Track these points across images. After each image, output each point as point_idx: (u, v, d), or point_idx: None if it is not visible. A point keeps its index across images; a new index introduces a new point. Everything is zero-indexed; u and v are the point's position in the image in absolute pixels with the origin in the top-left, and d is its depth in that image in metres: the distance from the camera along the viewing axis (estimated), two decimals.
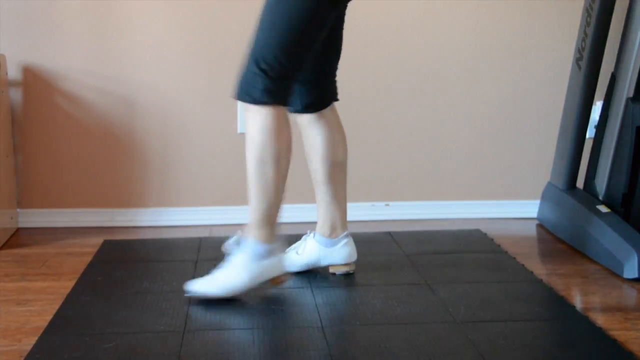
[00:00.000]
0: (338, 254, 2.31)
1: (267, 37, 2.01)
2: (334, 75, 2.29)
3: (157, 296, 2.16)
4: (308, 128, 2.26)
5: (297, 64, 2.04)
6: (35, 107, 2.83)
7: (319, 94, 2.24)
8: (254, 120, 2.03)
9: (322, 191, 2.29)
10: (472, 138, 3.01)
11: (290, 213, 2.95)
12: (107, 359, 1.77)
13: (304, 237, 2.36)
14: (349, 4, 2.92)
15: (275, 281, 2.17)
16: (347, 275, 2.33)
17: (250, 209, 2.09)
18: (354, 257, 2.33)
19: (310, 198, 2.42)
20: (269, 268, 2.12)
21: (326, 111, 2.26)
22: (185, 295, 2.12)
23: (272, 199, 2.07)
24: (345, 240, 2.31)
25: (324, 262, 2.32)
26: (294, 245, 2.36)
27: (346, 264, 2.33)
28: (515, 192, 3.06)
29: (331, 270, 2.34)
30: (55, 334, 1.91)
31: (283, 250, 2.19)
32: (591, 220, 2.56)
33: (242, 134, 2.90)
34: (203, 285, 2.11)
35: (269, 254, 2.11)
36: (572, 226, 2.68)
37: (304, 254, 2.32)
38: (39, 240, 2.73)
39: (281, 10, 1.99)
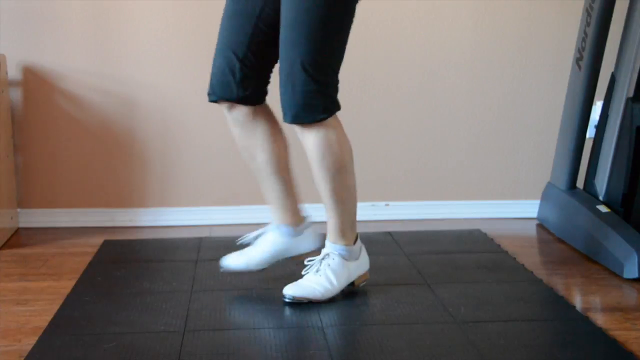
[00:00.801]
0: (305, 242, 2.27)
1: (315, 48, 1.96)
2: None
3: (157, 296, 2.17)
4: (249, 123, 2.16)
5: (339, 66, 2.04)
6: (35, 107, 2.83)
7: (265, 85, 2.16)
8: (317, 136, 2.02)
9: (273, 184, 2.22)
10: (472, 138, 3.01)
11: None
12: (107, 359, 1.77)
13: (261, 234, 2.30)
14: None
15: (359, 281, 2.20)
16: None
17: (330, 218, 2.12)
18: (318, 245, 2.27)
19: (314, 198, 2.41)
20: (354, 269, 2.17)
21: (265, 105, 2.18)
22: (284, 299, 2.10)
23: (350, 204, 2.12)
24: (309, 227, 2.28)
25: (292, 253, 2.27)
26: (243, 240, 2.33)
27: (314, 250, 2.27)
28: (515, 192, 3.06)
29: (301, 259, 2.27)
30: (55, 334, 1.91)
31: (364, 248, 2.22)
32: (591, 220, 2.56)
33: None
34: (301, 292, 2.10)
35: (353, 255, 2.16)
36: (572, 226, 2.68)
37: (268, 248, 2.25)
38: (39, 240, 2.73)
39: (319, 16, 1.95)
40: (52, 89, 2.83)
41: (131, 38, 2.82)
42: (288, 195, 2.24)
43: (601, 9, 2.62)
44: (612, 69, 2.69)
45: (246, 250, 2.27)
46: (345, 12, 2.01)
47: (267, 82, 2.15)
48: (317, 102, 1.98)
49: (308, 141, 2.04)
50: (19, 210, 2.87)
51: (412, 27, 2.91)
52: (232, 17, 2.10)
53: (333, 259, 2.13)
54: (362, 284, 2.21)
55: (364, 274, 2.22)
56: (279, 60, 2.03)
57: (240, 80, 2.08)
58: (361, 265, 2.20)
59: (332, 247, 2.14)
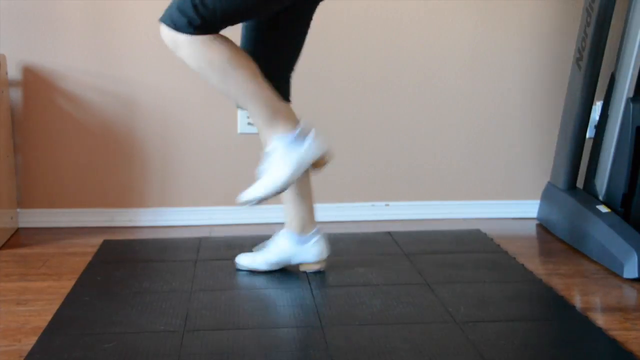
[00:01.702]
0: (311, 252, 2.31)
1: None
2: (290, 74, 2.24)
3: (157, 296, 2.17)
4: None
5: (226, 23, 1.99)
6: (35, 107, 2.83)
7: (287, 88, 2.20)
8: (188, 54, 1.98)
9: (289, 189, 2.23)
10: (472, 138, 3.01)
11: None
12: (107, 359, 1.77)
13: (273, 236, 2.35)
14: (351, 5, 2.93)
15: (318, 164, 2.10)
16: (319, 272, 2.34)
17: (253, 116, 2.07)
18: (325, 255, 2.33)
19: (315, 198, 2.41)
20: (307, 152, 2.06)
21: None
22: (240, 204, 2.06)
23: (259, 93, 2.04)
24: (316, 238, 2.31)
25: (296, 260, 2.33)
26: (262, 244, 2.38)
27: (317, 262, 2.33)
28: (515, 192, 3.06)
29: (302, 268, 2.35)
30: (55, 334, 1.91)
31: (313, 131, 2.09)
32: (591, 220, 2.56)
33: (243, 134, 2.91)
34: (252, 193, 2.06)
35: (300, 138, 2.06)
36: (572, 226, 2.68)
37: (275, 251, 2.32)
38: (39, 240, 2.73)
39: None
40: (52, 89, 2.83)
41: (131, 38, 2.83)
42: (300, 203, 2.28)
43: (601, 9, 2.62)
44: (612, 69, 2.69)
45: (259, 251, 2.34)
46: None
47: (286, 81, 2.19)
48: (188, 14, 1.93)
49: (183, 55, 2.00)
50: (18, 210, 2.88)
51: (412, 27, 2.91)
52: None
53: (276, 150, 2.05)
54: (324, 166, 2.11)
55: (323, 156, 2.09)
56: None
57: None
58: (312, 147, 2.07)
59: (272, 143, 2.07)
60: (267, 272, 2.34)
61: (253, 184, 2.09)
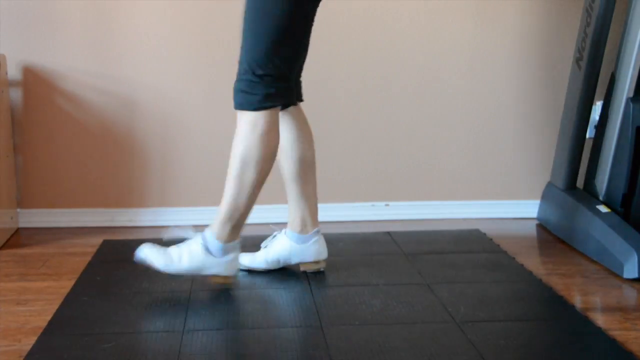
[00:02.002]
0: (309, 251, 2.31)
1: (255, 42, 2.03)
2: (300, 74, 2.27)
3: (157, 296, 2.17)
4: (279, 124, 2.21)
5: (292, 62, 2.07)
6: (35, 107, 2.83)
7: (298, 87, 2.25)
8: (247, 122, 2.07)
9: (290, 188, 2.29)
10: (472, 138, 3.01)
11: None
12: (107, 359, 1.77)
13: (272, 235, 2.36)
14: (351, 5, 2.93)
15: (216, 279, 2.18)
16: (319, 272, 2.34)
17: (221, 204, 2.13)
18: (325, 255, 2.34)
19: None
20: (213, 265, 2.15)
21: (292, 109, 2.24)
22: (134, 260, 2.14)
23: (243, 201, 2.11)
24: (316, 238, 2.31)
25: (295, 260, 2.33)
26: (263, 243, 2.38)
27: (316, 262, 2.33)
28: (515, 192, 3.06)
29: (302, 268, 2.35)
30: (55, 334, 1.91)
31: (238, 253, 2.19)
32: (591, 220, 2.56)
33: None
34: (152, 255, 2.13)
35: (221, 252, 2.14)
36: (572, 226, 2.68)
37: (274, 250, 2.33)
38: (39, 240, 2.73)
39: (262, 13, 2.02)
40: (52, 89, 2.83)
41: (131, 38, 2.83)
42: (302, 202, 2.29)
43: (601, 9, 2.62)
44: (612, 69, 2.69)
45: (259, 250, 2.35)
46: (290, 13, 2.03)
47: (296, 82, 2.22)
48: (255, 92, 2.04)
49: (239, 122, 2.09)
50: (18, 210, 2.88)
51: (412, 27, 2.91)
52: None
53: (197, 242, 2.14)
54: (216, 284, 2.20)
55: (222, 277, 2.19)
56: None
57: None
58: (221, 266, 2.15)
59: (204, 232, 2.15)
60: (267, 272, 2.34)
61: (160, 248, 2.15)
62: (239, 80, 2.08)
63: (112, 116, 2.87)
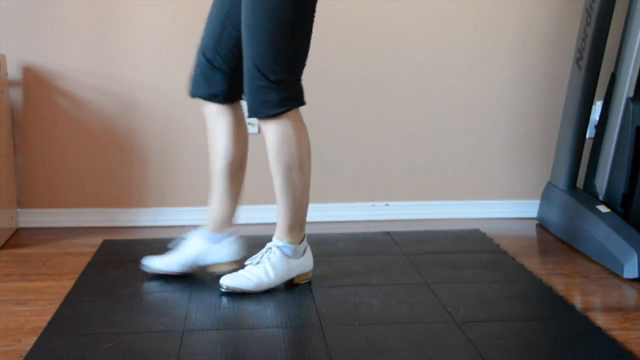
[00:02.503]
0: (221, 252, 2.26)
1: (265, 48, 2.01)
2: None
3: (157, 296, 2.17)
4: (215, 120, 2.23)
5: (302, 63, 2.08)
6: (35, 107, 2.84)
7: (237, 85, 2.16)
8: (275, 131, 2.07)
9: (217, 185, 2.26)
10: (472, 138, 3.01)
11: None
12: (107, 359, 1.77)
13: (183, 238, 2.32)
14: (351, 5, 2.93)
15: (299, 279, 2.24)
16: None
17: (279, 214, 2.17)
18: (239, 256, 2.28)
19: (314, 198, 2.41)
20: (295, 267, 2.21)
21: (236, 105, 2.23)
22: (221, 290, 2.16)
23: (300, 202, 2.15)
24: (231, 238, 2.27)
25: (206, 260, 2.26)
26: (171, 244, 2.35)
27: (229, 263, 2.26)
28: (515, 192, 3.06)
29: (211, 269, 2.27)
30: (55, 334, 1.91)
31: (308, 246, 2.25)
32: (591, 220, 2.56)
33: None
34: (238, 282, 2.15)
35: (300, 253, 2.21)
36: (572, 226, 2.68)
37: (185, 251, 2.28)
38: (39, 240, 2.73)
39: (269, 17, 2.00)
40: (52, 89, 2.83)
41: (131, 38, 2.83)
42: (225, 200, 2.26)
43: (601, 9, 2.62)
44: (612, 69, 2.69)
45: (171, 253, 2.31)
46: (297, 13, 2.03)
47: (241, 82, 2.17)
48: (270, 97, 2.03)
49: (267, 134, 2.09)
50: (18, 210, 2.88)
51: (412, 27, 2.91)
52: (208, 19, 2.21)
53: (275, 253, 2.17)
54: (303, 282, 2.25)
55: (306, 274, 2.26)
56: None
57: (207, 79, 2.17)
58: (303, 264, 2.23)
59: (276, 242, 2.19)
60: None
61: (240, 272, 2.17)
62: (254, 88, 2.04)
63: (112, 116, 2.87)
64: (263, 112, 2.06)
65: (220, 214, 2.27)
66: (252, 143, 2.91)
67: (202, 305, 2.10)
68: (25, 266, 2.46)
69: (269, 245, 2.20)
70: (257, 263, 2.18)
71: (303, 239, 2.22)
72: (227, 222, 2.28)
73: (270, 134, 2.09)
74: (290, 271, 2.20)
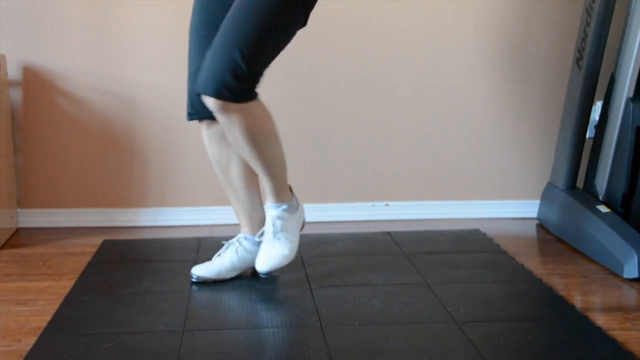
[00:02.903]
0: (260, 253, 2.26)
1: (263, 48, 1.97)
2: None
3: (157, 296, 2.17)
4: (221, 136, 2.21)
5: (265, 69, 2.03)
6: (35, 107, 2.84)
7: None
8: (238, 108, 1.99)
9: (241, 195, 2.28)
10: (472, 138, 3.01)
11: None
12: (107, 359, 1.77)
13: (229, 243, 2.32)
14: (351, 5, 2.93)
15: (301, 228, 2.30)
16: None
17: (267, 183, 2.17)
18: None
19: (314, 198, 2.41)
20: (299, 218, 2.28)
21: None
22: (262, 276, 2.21)
23: (283, 164, 2.18)
24: (263, 238, 2.27)
25: (254, 263, 2.27)
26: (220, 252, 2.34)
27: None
28: (515, 192, 3.06)
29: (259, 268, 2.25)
30: (55, 334, 1.91)
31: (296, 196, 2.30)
32: (591, 220, 2.56)
33: None
34: (275, 262, 2.17)
35: (296, 205, 2.26)
36: (572, 226, 2.68)
37: (235, 257, 2.29)
38: (39, 240, 2.73)
39: (276, 25, 1.98)
40: (52, 89, 2.83)
41: (131, 38, 2.83)
42: (255, 208, 2.30)
43: (601, 9, 2.62)
44: (612, 69, 2.69)
45: (216, 259, 2.31)
46: (291, 13, 2.01)
47: None
48: (245, 86, 1.98)
49: (232, 117, 2.00)
50: (18, 210, 2.88)
51: (412, 27, 2.91)
52: (195, 36, 2.16)
53: (283, 218, 2.20)
54: (302, 230, 2.30)
55: (303, 220, 2.32)
56: (216, 40, 1.99)
57: None
58: (301, 212, 2.29)
59: (277, 208, 2.21)
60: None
61: (268, 254, 2.19)
62: (227, 70, 1.94)
63: (112, 116, 2.87)
64: (235, 97, 1.97)
65: (255, 221, 2.30)
66: None
67: (202, 305, 2.10)
68: (25, 266, 2.46)
69: (273, 215, 2.21)
70: (275, 237, 2.20)
71: (291, 190, 2.26)
72: (261, 226, 2.30)
73: (234, 112, 1.99)
74: (298, 224, 2.26)
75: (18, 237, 2.77)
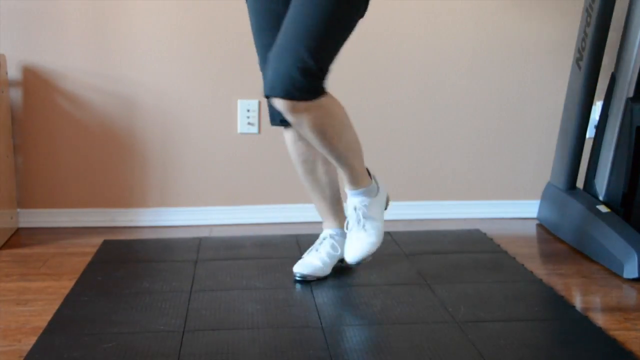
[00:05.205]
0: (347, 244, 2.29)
1: (328, 42, 1.98)
2: None
3: (157, 296, 2.17)
4: (298, 136, 2.22)
5: (332, 63, 2.04)
6: (35, 107, 2.83)
7: None
8: (320, 108, 1.99)
9: (330, 192, 2.30)
10: (472, 138, 3.01)
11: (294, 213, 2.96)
12: (107, 359, 1.77)
13: (323, 237, 2.34)
14: None
15: (388, 204, 2.33)
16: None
17: (346, 172, 2.15)
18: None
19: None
20: (382, 197, 2.28)
21: None
22: (355, 265, 2.23)
23: (360, 150, 2.17)
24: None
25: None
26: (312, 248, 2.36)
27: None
28: (515, 192, 3.06)
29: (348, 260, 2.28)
30: (55, 334, 1.91)
31: (376, 177, 2.30)
32: (591, 220, 2.56)
33: (242, 134, 2.91)
34: (366, 250, 2.19)
35: (378, 187, 2.26)
36: (572, 226, 2.68)
37: (332, 251, 2.32)
38: (39, 240, 2.73)
39: (339, 16, 1.98)
40: (52, 89, 2.83)
41: (131, 38, 2.83)
42: (340, 201, 2.33)
43: (601, 9, 2.62)
44: (612, 69, 2.69)
45: (313, 257, 2.30)
46: (352, 4, 2.03)
47: None
48: (315, 83, 1.95)
49: (302, 116, 1.97)
50: (18, 210, 2.88)
51: (412, 27, 2.91)
52: (261, 34, 2.14)
53: (368, 204, 2.20)
54: (387, 208, 2.32)
55: (387, 199, 2.33)
56: (279, 40, 1.97)
57: None
58: (383, 192, 2.28)
59: (358, 194, 2.19)
60: (264, 271, 2.33)
61: (356, 243, 2.19)
62: (295, 68, 1.91)
63: (112, 116, 2.87)
64: (307, 95, 1.94)
65: (339, 214, 2.33)
66: (253, 142, 2.92)
67: (201, 305, 2.10)
68: (25, 266, 2.46)
69: (356, 202, 2.19)
70: (361, 225, 2.20)
71: (369, 172, 2.24)
72: (345, 217, 2.33)
73: (309, 116, 1.98)
74: (382, 204, 2.26)
75: (18, 237, 2.77)
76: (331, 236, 2.33)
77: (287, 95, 1.93)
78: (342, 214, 2.35)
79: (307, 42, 1.92)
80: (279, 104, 1.95)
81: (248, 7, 2.17)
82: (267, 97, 1.99)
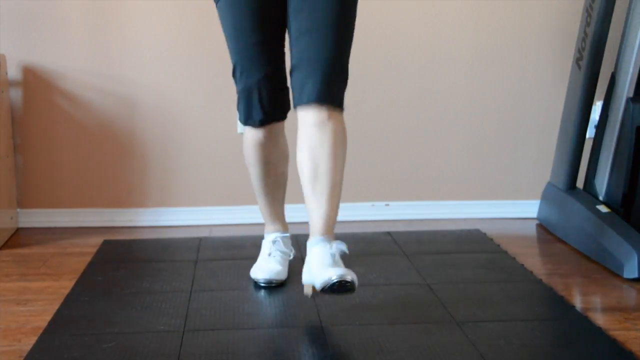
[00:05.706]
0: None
1: (348, 47, 2.01)
2: None
3: (157, 296, 2.16)
4: (277, 134, 2.20)
5: None
6: (35, 107, 2.84)
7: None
8: (341, 124, 2.03)
9: (282, 194, 2.31)
10: (472, 138, 3.01)
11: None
12: (107, 359, 1.77)
13: (269, 245, 2.33)
14: None
15: None
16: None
17: (329, 207, 2.00)
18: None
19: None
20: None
21: None
22: (348, 287, 1.97)
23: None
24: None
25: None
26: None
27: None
28: (515, 192, 3.06)
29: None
30: (55, 334, 1.91)
31: None
32: (591, 220, 2.56)
33: (242, 134, 2.91)
34: (347, 275, 1.92)
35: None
36: (572, 226, 2.68)
37: (290, 253, 2.33)
38: (39, 240, 2.73)
39: (352, 20, 2.01)
40: (52, 89, 2.83)
41: (131, 38, 2.83)
42: (284, 204, 2.33)
43: (601, 9, 2.62)
44: (612, 69, 2.69)
45: (271, 262, 2.28)
46: (356, 13, 2.05)
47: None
48: (342, 93, 2.02)
49: (331, 127, 1.98)
50: (18, 210, 2.88)
51: (412, 27, 2.91)
52: (244, 33, 2.11)
53: (339, 249, 2.01)
54: None
55: None
56: (314, 45, 1.98)
57: (279, 101, 2.13)
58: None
59: (335, 243, 2.01)
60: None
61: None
62: (339, 77, 1.99)
63: (112, 116, 2.87)
64: (341, 104, 2.01)
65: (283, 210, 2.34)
66: None
67: (201, 305, 2.10)
68: (25, 266, 2.46)
69: (331, 250, 1.98)
70: (336, 262, 1.98)
71: None
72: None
73: (339, 126, 2.01)
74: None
75: (18, 237, 2.77)
76: (282, 239, 2.30)
77: (335, 104, 1.97)
78: (284, 217, 2.33)
79: (345, 51, 1.99)
80: (318, 112, 1.95)
81: (221, 9, 2.07)
82: (298, 105, 1.98)
